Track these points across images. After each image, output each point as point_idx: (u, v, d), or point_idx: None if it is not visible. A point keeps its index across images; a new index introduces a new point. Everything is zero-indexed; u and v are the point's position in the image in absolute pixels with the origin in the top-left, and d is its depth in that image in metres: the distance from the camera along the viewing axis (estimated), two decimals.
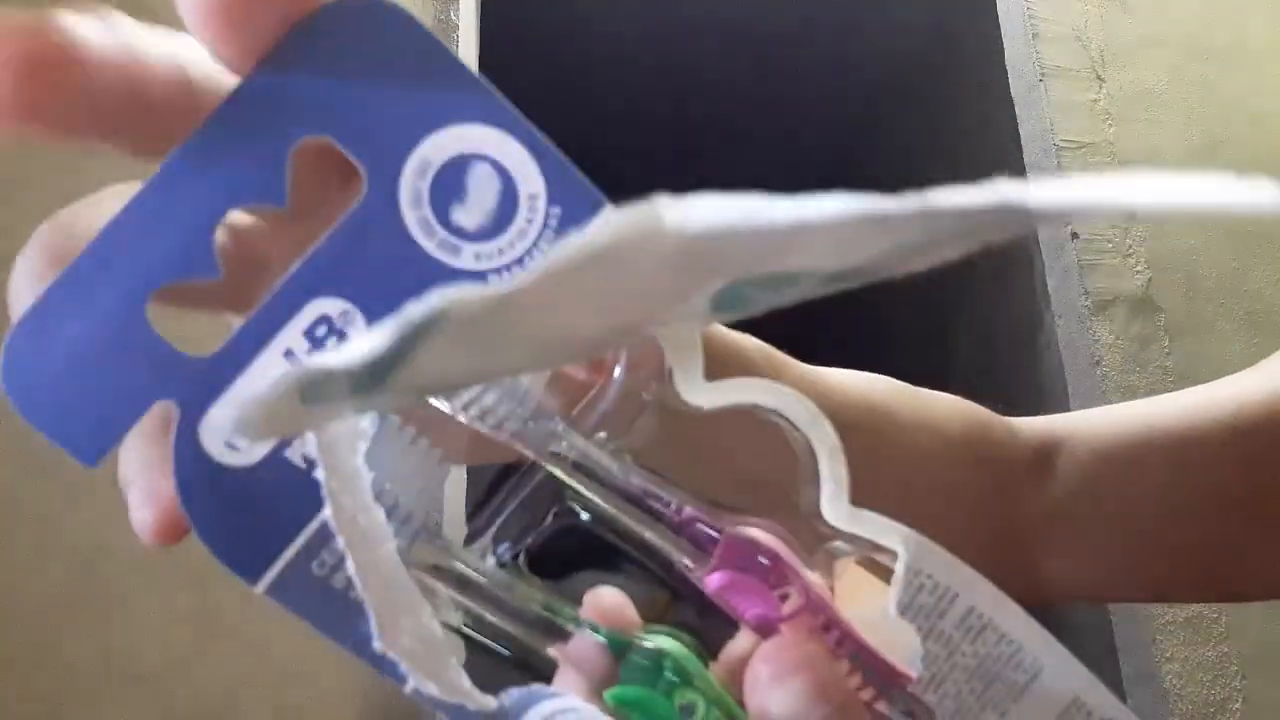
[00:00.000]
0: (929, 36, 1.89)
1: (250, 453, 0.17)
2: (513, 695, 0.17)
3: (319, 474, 0.17)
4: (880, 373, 0.35)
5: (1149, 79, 1.59)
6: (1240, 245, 1.52)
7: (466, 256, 0.17)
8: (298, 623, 0.18)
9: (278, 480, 0.17)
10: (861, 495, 0.18)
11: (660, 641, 0.19)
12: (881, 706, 0.18)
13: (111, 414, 0.17)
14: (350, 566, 0.16)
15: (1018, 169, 1.52)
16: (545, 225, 0.17)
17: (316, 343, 0.17)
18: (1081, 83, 1.57)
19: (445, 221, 0.17)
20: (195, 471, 0.17)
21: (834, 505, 0.18)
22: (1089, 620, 1.37)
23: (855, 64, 2.06)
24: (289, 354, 0.17)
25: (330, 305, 0.17)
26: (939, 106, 1.94)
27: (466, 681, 0.17)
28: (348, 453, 0.17)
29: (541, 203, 0.17)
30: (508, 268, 0.17)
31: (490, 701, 0.17)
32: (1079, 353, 1.42)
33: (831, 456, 0.18)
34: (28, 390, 0.17)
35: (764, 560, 0.19)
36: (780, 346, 0.30)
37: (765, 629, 0.18)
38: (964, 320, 1.87)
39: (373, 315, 0.17)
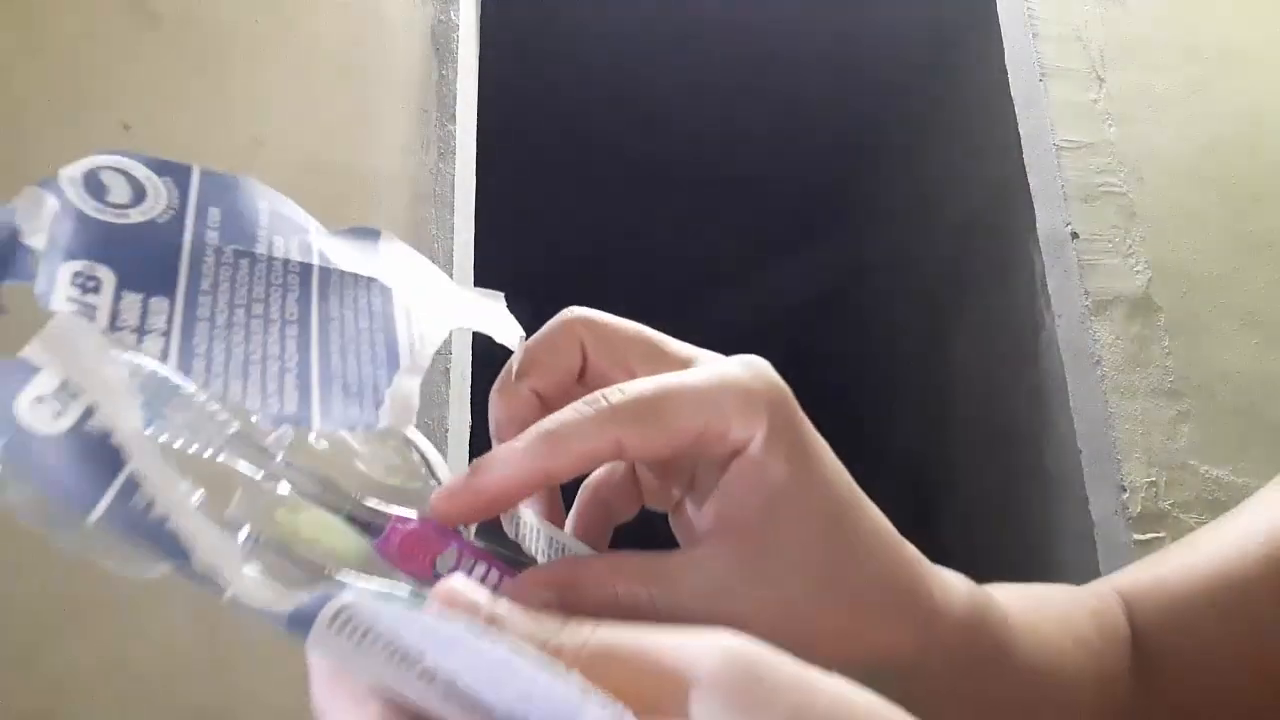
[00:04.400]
0: (929, 36, 1.89)
1: (61, 423, 0.21)
2: (306, 597, 0.20)
3: (114, 440, 0.21)
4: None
5: (1149, 79, 1.59)
6: (1240, 246, 1.52)
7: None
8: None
9: (86, 443, 0.21)
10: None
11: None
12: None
13: None
14: (159, 502, 0.21)
15: (1018, 169, 1.52)
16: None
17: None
18: (1081, 83, 1.57)
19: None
20: (27, 444, 0.20)
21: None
22: None
23: (856, 64, 2.06)
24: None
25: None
26: (939, 106, 1.94)
27: (267, 590, 0.21)
28: (130, 417, 0.21)
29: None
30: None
31: (288, 604, 0.20)
32: (1079, 353, 1.42)
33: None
34: None
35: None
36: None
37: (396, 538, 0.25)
38: (964, 320, 1.87)
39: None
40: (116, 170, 0.26)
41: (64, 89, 1.32)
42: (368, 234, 0.29)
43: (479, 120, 1.44)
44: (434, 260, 1.42)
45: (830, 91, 2.16)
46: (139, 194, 0.26)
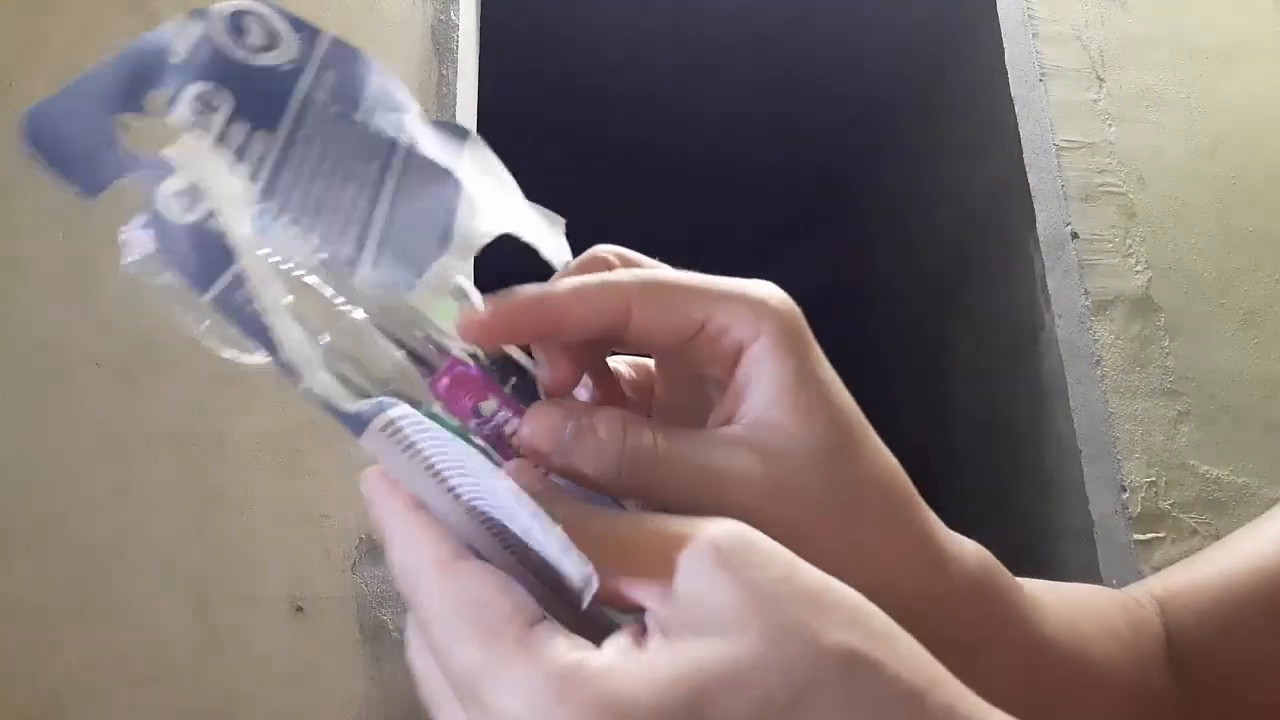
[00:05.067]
0: (929, 36, 1.89)
1: (190, 215, 0.26)
2: (366, 404, 0.25)
3: (229, 241, 0.26)
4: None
5: (1149, 79, 1.59)
6: (1240, 245, 1.52)
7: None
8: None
9: (208, 237, 0.26)
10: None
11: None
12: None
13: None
14: (258, 299, 0.26)
15: (1018, 169, 1.52)
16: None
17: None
18: (1081, 83, 1.57)
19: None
20: (162, 226, 0.26)
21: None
22: None
23: (856, 63, 2.06)
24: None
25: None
26: (939, 106, 1.94)
27: (336, 390, 0.25)
28: (241, 225, 0.26)
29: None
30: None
31: (352, 406, 0.25)
32: (1079, 353, 1.42)
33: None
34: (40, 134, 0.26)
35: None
36: None
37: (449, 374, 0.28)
38: (964, 320, 1.87)
39: None
40: (258, 15, 0.29)
41: None
42: (458, 132, 0.32)
43: (479, 120, 1.44)
44: None
45: (830, 91, 2.16)
46: (272, 41, 0.29)
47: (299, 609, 1.11)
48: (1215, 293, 1.49)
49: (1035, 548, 1.57)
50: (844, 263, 2.62)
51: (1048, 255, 1.46)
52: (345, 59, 0.30)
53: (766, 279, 0.31)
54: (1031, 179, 1.50)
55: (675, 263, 0.32)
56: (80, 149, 0.26)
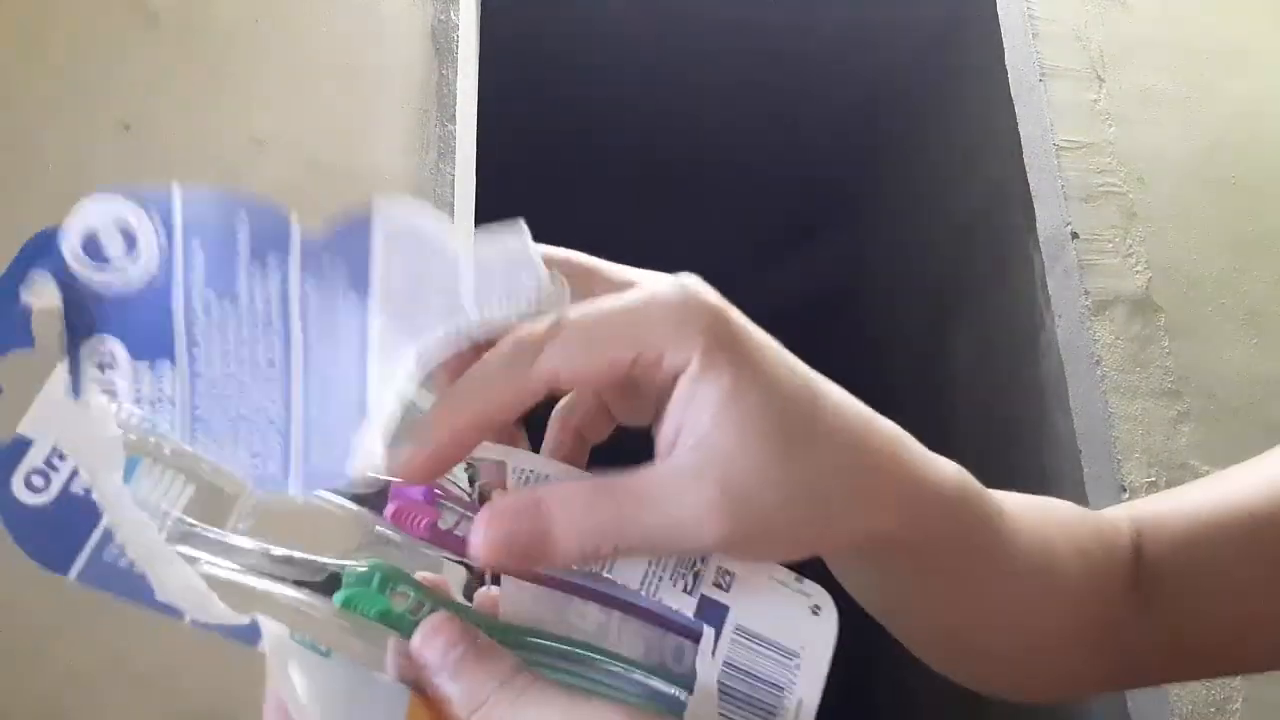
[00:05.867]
0: (929, 36, 1.89)
1: (47, 494, 0.25)
2: (246, 620, 0.25)
3: (94, 496, 0.25)
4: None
5: (1149, 79, 1.59)
6: (1240, 246, 1.52)
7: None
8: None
9: (69, 507, 0.25)
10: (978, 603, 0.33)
11: (369, 561, 0.27)
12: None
13: None
14: (129, 550, 0.25)
15: (1018, 169, 1.52)
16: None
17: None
18: (1081, 83, 1.57)
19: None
20: (13, 510, 0.25)
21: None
22: None
23: (856, 63, 2.06)
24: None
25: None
26: (939, 106, 1.94)
27: (224, 609, 0.25)
28: (110, 477, 0.25)
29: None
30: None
31: (243, 619, 0.25)
32: (1079, 353, 1.42)
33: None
34: None
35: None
36: (785, 346, 0.30)
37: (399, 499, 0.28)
38: (964, 320, 1.87)
39: None
40: (108, 219, 0.25)
41: (64, 89, 1.32)
42: (358, 229, 0.26)
43: (479, 120, 1.44)
44: None
45: (830, 91, 2.16)
46: (130, 241, 0.26)
47: None
48: (1215, 293, 1.49)
49: None
50: (844, 263, 2.62)
51: (1048, 255, 1.46)
52: (205, 218, 0.26)
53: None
54: (1031, 179, 1.50)
55: (676, 265, 0.32)
56: None
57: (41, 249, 0.25)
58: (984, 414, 1.79)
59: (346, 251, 0.26)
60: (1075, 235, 1.47)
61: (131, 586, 0.25)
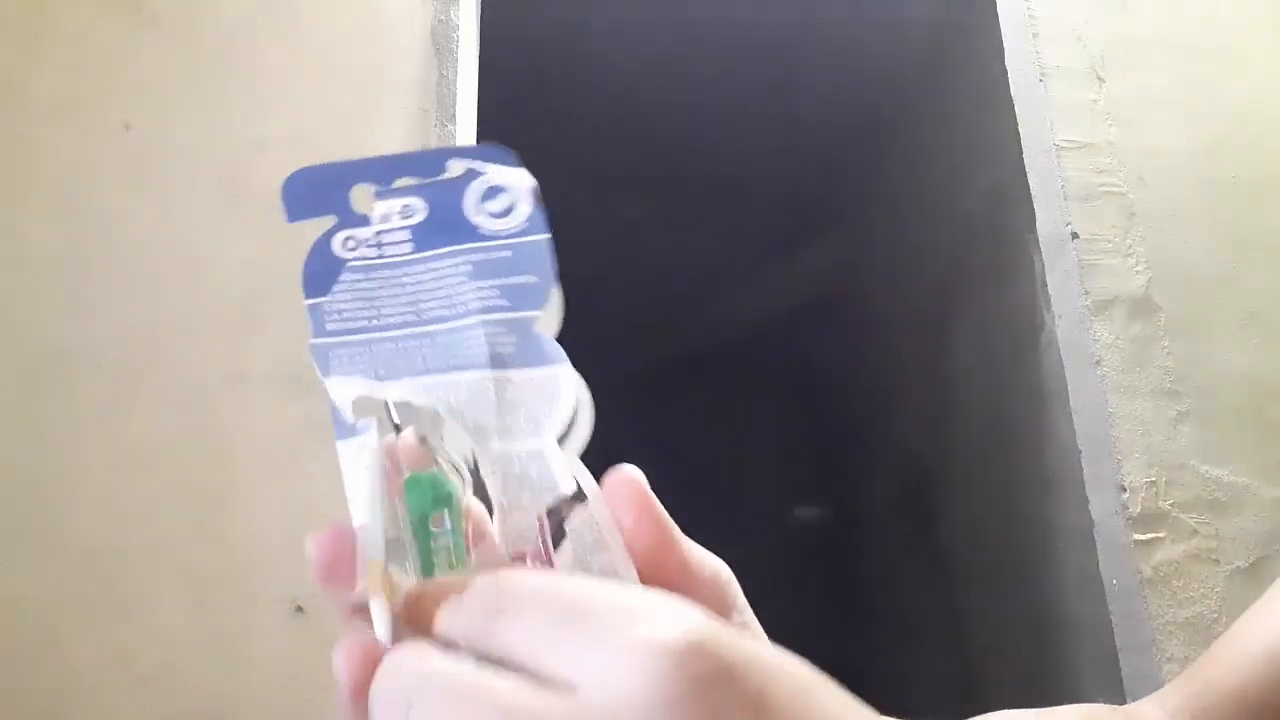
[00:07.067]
0: (929, 36, 1.89)
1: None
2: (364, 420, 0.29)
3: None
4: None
5: (1149, 79, 1.59)
6: (1239, 246, 1.52)
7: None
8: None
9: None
10: None
11: (440, 478, 0.29)
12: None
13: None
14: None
15: (1018, 169, 1.52)
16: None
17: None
18: (1081, 83, 1.57)
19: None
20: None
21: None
22: (1090, 621, 1.37)
23: (856, 63, 2.06)
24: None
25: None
26: (939, 106, 1.94)
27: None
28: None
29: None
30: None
31: (350, 419, 0.29)
32: (1079, 353, 1.42)
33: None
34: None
35: None
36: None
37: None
38: (964, 320, 1.87)
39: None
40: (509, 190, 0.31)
41: (64, 89, 1.32)
42: None
43: (479, 120, 1.44)
44: None
45: (830, 92, 2.17)
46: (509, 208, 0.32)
47: (299, 609, 1.11)
48: (1215, 293, 1.49)
49: (1035, 548, 1.57)
50: (844, 263, 2.62)
51: (1048, 255, 1.46)
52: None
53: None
54: (1031, 179, 1.50)
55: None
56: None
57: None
58: (984, 414, 1.79)
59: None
60: (1075, 235, 1.47)
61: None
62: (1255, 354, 1.45)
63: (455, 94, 1.39)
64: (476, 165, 0.30)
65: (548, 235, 0.30)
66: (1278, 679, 0.40)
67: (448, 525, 0.29)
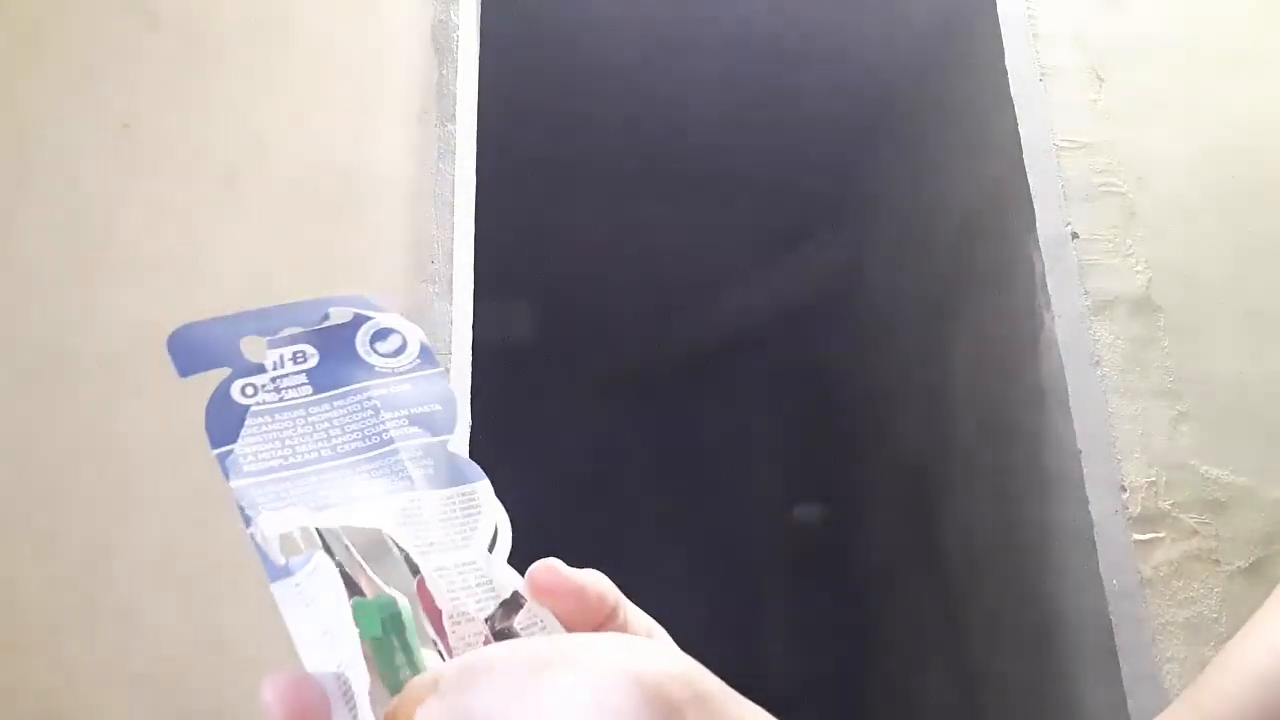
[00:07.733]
0: (929, 37, 1.89)
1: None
2: (296, 559, 0.28)
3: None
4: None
5: (1149, 79, 1.59)
6: (1240, 246, 1.52)
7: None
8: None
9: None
10: None
11: (390, 601, 0.30)
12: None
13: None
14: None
15: (1018, 169, 1.52)
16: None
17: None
18: (1081, 83, 1.57)
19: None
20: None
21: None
22: (1090, 621, 1.37)
23: (855, 64, 2.06)
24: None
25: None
26: (939, 106, 1.94)
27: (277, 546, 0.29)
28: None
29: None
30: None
31: (281, 559, 0.29)
32: (1079, 353, 1.42)
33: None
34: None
35: None
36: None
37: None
38: (964, 320, 1.87)
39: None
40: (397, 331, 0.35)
41: (64, 89, 1.32)
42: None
43: (479, 120, 1.44)
44: (433, 260, 1.40)
45: (830, 92, 2.17)
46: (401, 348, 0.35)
47: None
48: (1215, 293, 1.49)
49: (1035, 548, 1.57)
50: (844, 263, 2.62)
51: (1048, 255, 1.46)
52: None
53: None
54: (1031, 179, 1.50)
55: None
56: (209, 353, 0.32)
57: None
58: (984, 414, 1.79)
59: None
60: (1075, 235, 1.47)
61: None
62: (1255, 354, 1.45)
63: (455, 94, 1.39)
64: (361, 311, 0.33)
65: (441, 369, 0.33)
66: (1274, 707, 0.40)
67: (399, 644, 0.30)
